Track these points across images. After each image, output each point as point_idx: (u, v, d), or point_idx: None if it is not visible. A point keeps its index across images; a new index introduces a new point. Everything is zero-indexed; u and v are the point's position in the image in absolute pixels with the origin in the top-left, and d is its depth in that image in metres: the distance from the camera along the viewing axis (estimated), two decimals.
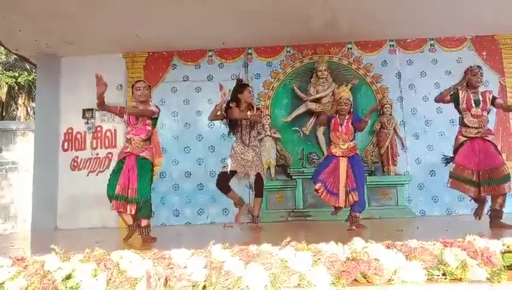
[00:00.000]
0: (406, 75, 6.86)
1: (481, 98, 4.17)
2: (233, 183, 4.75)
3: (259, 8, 5.63)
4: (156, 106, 4.21)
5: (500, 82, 6.74)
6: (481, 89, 4.29)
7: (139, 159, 3.98)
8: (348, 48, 7.00)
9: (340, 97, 4.62)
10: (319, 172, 4.57)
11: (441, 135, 6.56)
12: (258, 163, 4.73)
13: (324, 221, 5.78)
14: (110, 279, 1.64)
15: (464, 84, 4.25)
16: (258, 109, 4.79)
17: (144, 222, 3.96)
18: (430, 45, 6.93)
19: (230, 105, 4.65)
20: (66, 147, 6.91)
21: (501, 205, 4.06)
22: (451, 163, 4.23)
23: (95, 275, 1.65)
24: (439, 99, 4.40)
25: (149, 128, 4.07)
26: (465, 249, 1.72)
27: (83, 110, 6.86)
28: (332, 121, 4.65)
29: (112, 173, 4.06)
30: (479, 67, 4.30)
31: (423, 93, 6.75)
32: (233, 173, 4.69)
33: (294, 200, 6.42)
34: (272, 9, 5.69)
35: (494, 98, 4.23)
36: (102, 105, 3.98)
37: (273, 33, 6.49)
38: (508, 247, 1.75)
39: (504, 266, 1.68)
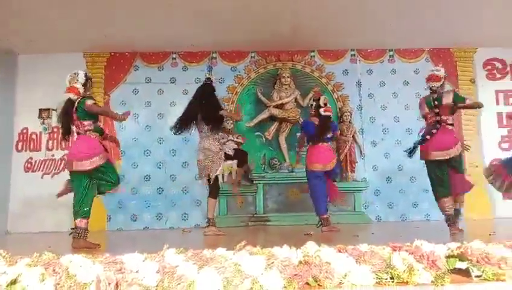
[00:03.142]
0: (366, 84, 7.04)
1: None
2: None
3: (224, 12, 5.63)
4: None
5: None
6: None
7: None
8: (311, 56, 7.11)
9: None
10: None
11: (398, 143, 6.76)
12: (220, 163, 4.78)
13: (284, 226, 5.84)
14: (59, 284, 1.59)
15: None
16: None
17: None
18: (390, 55, 7.15)
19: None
20: (20, 147, 6.64)
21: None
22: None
23: (43, 280, 1.59)
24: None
25: None
26: (412, 253, 1.78)
27: (40, 109, 6.62)
28: None
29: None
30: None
31: (382, 102, 6.96)
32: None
33: (255, 205, 6.44)
34: (237, 14, 5.70)
35: None
36: None
37: (238, 38, 6.52)
38: (452, 251, 1.83)
39: (448, 270, 1.75)
